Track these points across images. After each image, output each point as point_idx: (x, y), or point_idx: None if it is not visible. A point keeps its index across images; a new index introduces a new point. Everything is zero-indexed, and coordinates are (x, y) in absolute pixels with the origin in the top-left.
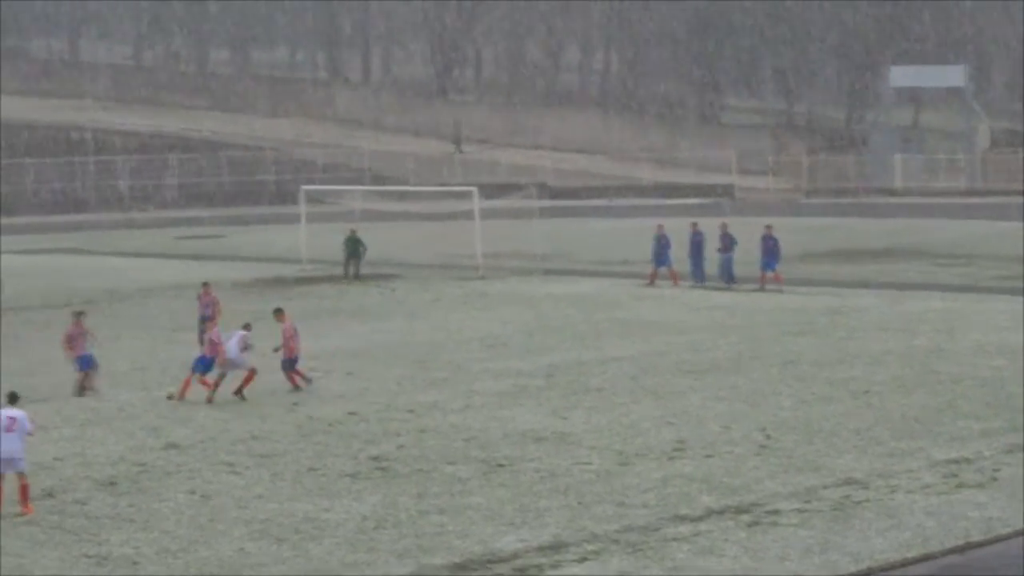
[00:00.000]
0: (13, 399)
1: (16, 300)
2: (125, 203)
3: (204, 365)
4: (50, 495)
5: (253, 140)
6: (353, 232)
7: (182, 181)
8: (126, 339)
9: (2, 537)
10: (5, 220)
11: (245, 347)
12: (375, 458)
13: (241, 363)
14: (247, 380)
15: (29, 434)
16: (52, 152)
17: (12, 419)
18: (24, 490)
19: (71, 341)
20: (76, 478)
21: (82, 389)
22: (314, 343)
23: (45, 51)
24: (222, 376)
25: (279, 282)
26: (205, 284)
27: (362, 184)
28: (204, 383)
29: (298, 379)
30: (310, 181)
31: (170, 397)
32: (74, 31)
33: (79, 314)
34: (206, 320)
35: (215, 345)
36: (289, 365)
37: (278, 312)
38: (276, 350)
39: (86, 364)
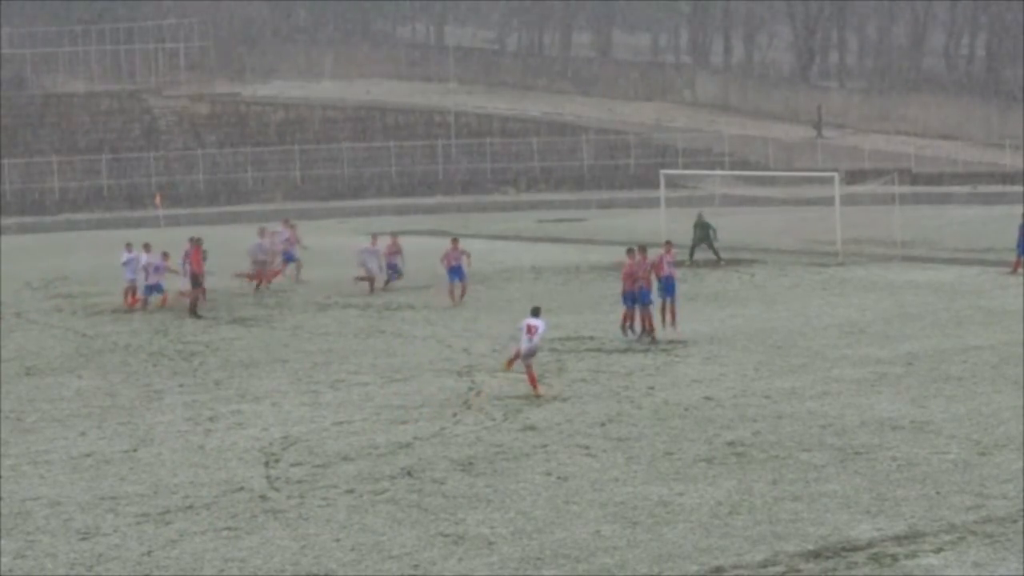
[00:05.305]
0: (536, 312)
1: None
2: (487, 186)
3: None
4: (409, 474)
5: (614, 124)
6: (701, 216)
7: (543, 164)
8: (484, 321)
9: (362, 515)
10: (363, 202)
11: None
12: (730, 443)
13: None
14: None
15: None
16: (415, 135)
17: (532, 326)
18: (531, 378)
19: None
20: (435, 458)
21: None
22: (672, 328)
23: (411, 35)
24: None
25: None
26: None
27: (722, 169)
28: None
29: None
30: (670, 165)
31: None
32: (440, 16)
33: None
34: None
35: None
36: None
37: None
38: None
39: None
